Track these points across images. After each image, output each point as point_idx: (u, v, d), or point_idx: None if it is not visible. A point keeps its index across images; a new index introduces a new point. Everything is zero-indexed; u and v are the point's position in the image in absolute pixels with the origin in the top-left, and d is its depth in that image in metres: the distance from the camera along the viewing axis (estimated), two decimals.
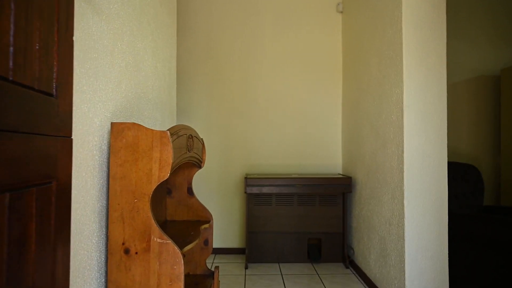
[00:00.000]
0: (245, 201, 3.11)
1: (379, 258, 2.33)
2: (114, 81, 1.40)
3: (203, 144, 1.95)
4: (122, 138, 1.25)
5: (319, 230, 2.96)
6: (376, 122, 2.43)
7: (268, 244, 2.96)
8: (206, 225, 1.87)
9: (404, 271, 1.97)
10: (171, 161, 1.24)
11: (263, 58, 3.33)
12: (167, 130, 1.28)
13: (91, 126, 1.20)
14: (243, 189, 3.12)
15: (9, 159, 0.63)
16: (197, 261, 1.95)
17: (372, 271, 2.44)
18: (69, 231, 0.86)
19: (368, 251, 2.55)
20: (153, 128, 1.99)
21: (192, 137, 1.67)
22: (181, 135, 1.43)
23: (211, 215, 1.94)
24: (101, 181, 1.27)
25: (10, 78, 0.64)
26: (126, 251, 1.24)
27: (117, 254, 1.24)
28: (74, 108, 1.08)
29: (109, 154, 1.29)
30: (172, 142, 1.29)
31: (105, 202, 1.29)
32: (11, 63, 0.64)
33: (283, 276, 2.66)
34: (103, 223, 1.29)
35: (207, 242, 1.96)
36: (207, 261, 3.02)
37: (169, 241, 1.23)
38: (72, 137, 0.88)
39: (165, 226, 1.83)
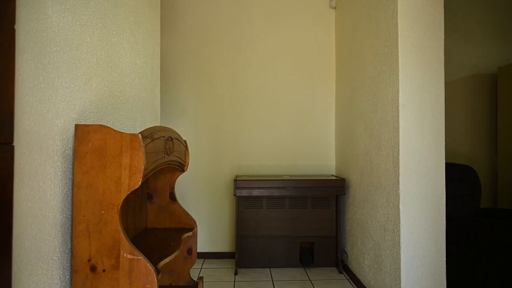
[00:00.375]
0: (234, 204, 2.99)
1: (373, 264, 2.23)
2: (81, 78, 1.26)
3: (186, 146, 1.82)
4: (88, 142, 1.12)
5: (312, 234, 2.85)
6: (370, 121, 2.32)
7: (259, 248, 2.84)
8: (189, 233, 1.74)
9: (399, 279, 1.86)
10: (142, 167, 1.11)
11: (253, 55, 3.20)
12: (139, 132, 1.15)
13: (51, 129, 1.06)
14: (233, 192, 3.00)
15: None
16: (180, 272, 1.83)
17: (366, 277, 2.34)
18: (10, 252, 0.73)
19: (362, 256, 2.44)
20: (132, 130, 1.86)
21: (172, 139, 1.54)
22: (156, 138, 1.30)
23: (195, 222, 1.82)
24: (65, 190, 1.14)
25: None
26: (93, 269, 1.11)
27: (82, 272, 1.11)
28: (26, 109, 0.94)
29: (73, 160, 1.16)
30: (145, 146, 1.16)
31: (69, 213, 1.16)
32: None
33: (274, 282, 2.54)
34: (67, 237, 1.15)
35: (190, 251, 1.83)
36: (194, 266, 2.89)
37: (141, 257, 1.10)
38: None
39: (145, 234, 1.70)
